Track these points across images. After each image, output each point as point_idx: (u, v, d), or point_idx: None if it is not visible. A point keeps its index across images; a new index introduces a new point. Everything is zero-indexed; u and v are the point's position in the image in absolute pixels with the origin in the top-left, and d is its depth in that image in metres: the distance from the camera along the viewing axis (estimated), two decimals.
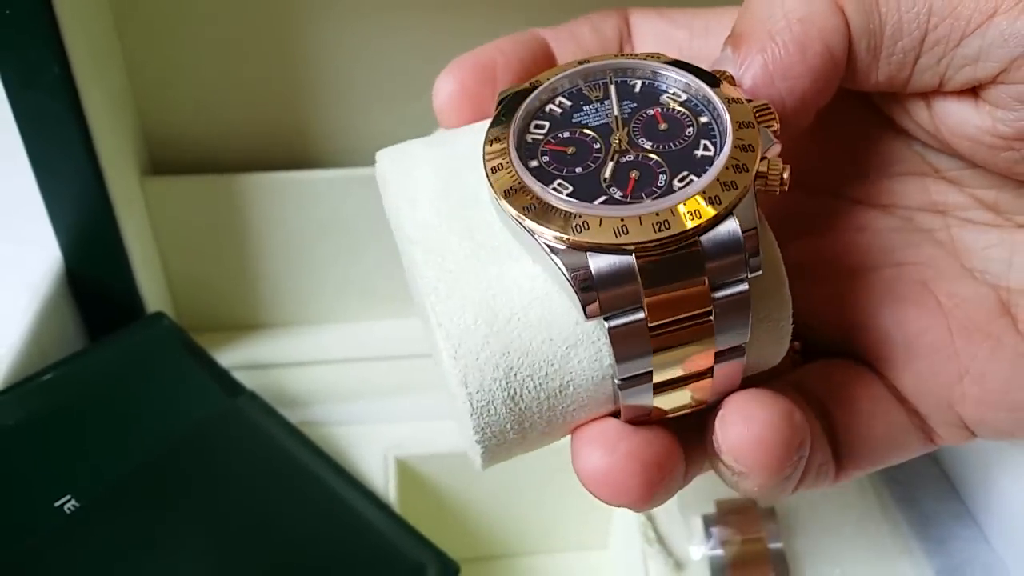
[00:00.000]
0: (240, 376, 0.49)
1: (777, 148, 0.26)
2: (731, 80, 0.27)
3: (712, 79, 0.27)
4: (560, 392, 0.26)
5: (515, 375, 0.26)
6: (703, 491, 0.47)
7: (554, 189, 0.25)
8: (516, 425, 0.26)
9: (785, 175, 0.25)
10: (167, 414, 0.44)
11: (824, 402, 0.30)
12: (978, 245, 0.30)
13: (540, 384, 0.26)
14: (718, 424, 0.26)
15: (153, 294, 0.51)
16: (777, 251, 0.27)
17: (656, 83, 0.28)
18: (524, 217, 0.24)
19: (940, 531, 0.44)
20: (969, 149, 0.28)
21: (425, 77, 0.51)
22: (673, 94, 0.28)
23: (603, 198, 0.25)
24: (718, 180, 0.24)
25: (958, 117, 0.28)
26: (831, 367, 0.32)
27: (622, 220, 0.24)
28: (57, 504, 0.38)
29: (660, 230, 0.23)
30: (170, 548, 0.39)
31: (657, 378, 0.26)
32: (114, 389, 0.44)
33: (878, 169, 0.32)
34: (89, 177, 0.46)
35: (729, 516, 0.46)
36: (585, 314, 0.24)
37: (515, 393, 0.26)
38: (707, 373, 0.26)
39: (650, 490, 0.26)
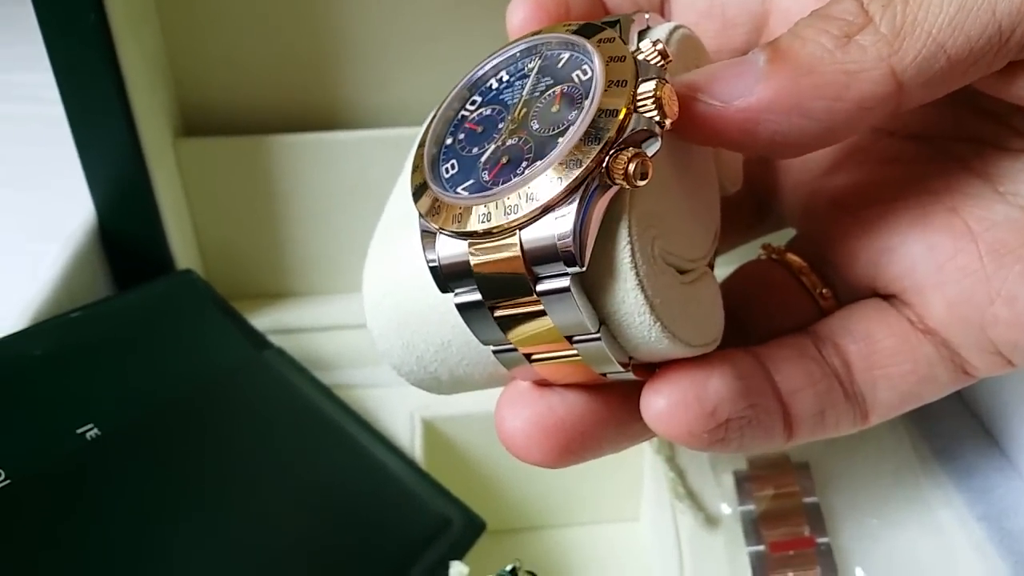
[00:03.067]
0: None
1: (655, 146, 0.24)
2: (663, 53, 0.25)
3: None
4: (444, 348, 0.29)
5: (405, 326, 0.29)
6: None
7: (445, 170, 0.26)
8: (420, 368, 0.30)
9: (640, 182, 0.23)
10: (193, 360, 0.44)
11: (842, 344, 0.30)
12: (1012, 170, 0.29)
13: (427, 338, 0.29)
14: (641, 401, 0.27)
15: (184, 256, 0.51)
16: (621, 245, 0.25)
17: (579, 57, 0.26)
18: (413, 197, 0.26)
19: (981, 481, 0.43)
20: (995, 88, 0.27)
21: (451, 39, 0.52)
22: (584, 70, 0.26)
23: (471, 181, 0.25)
24: (547, 174, 0.23)
25: None
26: (851, 309, 0.31)
27: (460, 208, 0.24)
28: (79, 431, 0.38)
29: (483, 221, 0.24)
30: (189, 486, 0.39)
31: (524, 351, 0.26)
32: (141, 332, 0.44)
33: None
34: (124, 134, 0.47)
35: (762, 472, 0.45)
36: (437, 282, 0.25)
37: (407, 342, 0.29)
38: (572, 353, 0.26)
39: (557, 454, 0.28)
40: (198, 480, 0.39)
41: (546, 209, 0.23)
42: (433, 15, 0.50)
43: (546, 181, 0.23)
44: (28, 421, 0.37)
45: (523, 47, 0.27)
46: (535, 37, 0.27)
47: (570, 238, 0.23)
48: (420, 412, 0.49)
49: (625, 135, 0.23)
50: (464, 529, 0.44)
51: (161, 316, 0.46)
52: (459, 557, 0.42)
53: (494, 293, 0.24)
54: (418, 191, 0.26)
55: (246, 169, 0.51)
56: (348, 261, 0.55)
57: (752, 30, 0.33)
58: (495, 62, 0.28)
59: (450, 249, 0.24)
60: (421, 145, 0.27)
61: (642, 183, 0.23)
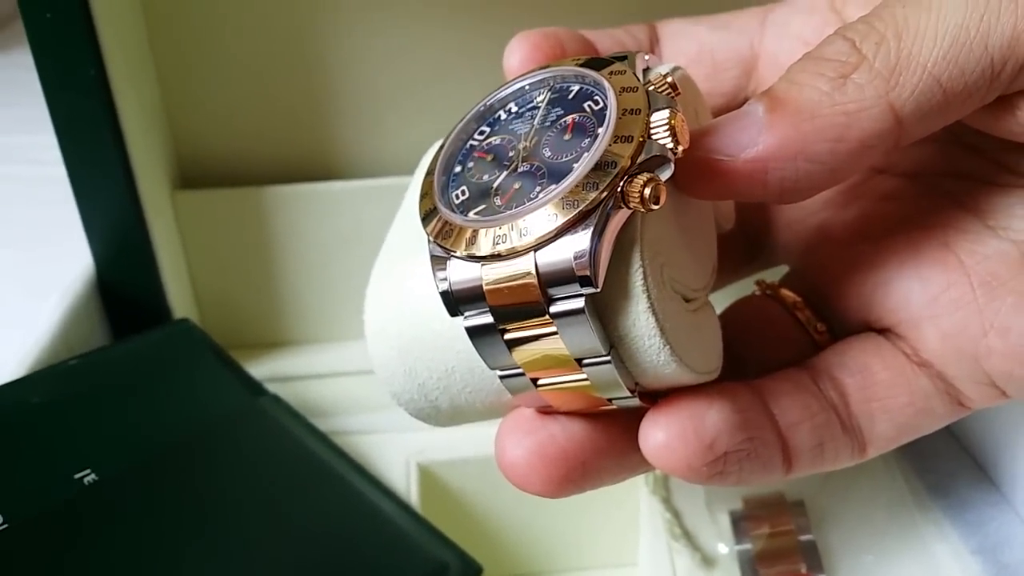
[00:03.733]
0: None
1: (668, 171, 0.24)
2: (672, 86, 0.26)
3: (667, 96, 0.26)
4: (448, 375, 0.29)
5: (408, 353, 0.29)
6: (731, 488, 0.47)
7: (455, 196, 0.26)
8: (421, 396, 0.30)
9: (654, 205, 0.24)
10: (189, 407, 0.44)
11: (839, 378, 0.30)
12: (1002, 205, 0.30)
13: (431, 365, 0.29)
14: (639, 436, 0.27)
15: (180, 306, 0.52)
16: (634, 267, 0.25)
17: (589, 89, 0.27)
18: (423, 221, 0.26)
19: (974, 515, 0.43)
20: (983, 123, 0.28)
21: (443, 90, 0.53)
22: (595, 100, 0.26)
23: (483, 207, 0.25)
24: (563, 198, 0.24)
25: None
26: (847, 343, 0.32)
27: (474, 231, 0.25)
28: (77, 476, 0.38)
29: (497, 244, 0.24)
30: (184, 531, 0.39)
31: (531, 375, 0.26)
32: (138, 380, 0.44)
33: None
34: (122, 186, 0.48)
35: (757, 510, 0.45)
36: (447, 305, 0.25)
37: (410, 369, 0.29)
38: (581, 378, 0.26)
39: (557, 484, 0.28)
40: (195, 525, 0.39)
41: (561, 231, 0.24)
42: (425, 67, 0.51)
43: (562, 204, 0.24)
44: (27, 466, 0.37)
45: (532, 80, 0.28)
46: (544, 70, 0.28)
47: (586, 259, 0.23)
48: (416, 457, 0.49)
49: (639, 161, 0.24)
50: (461, 574, 0.44)
51: (158, 363, 0.46)
52: None
53: (506, 315, 0.25)
54: (428, 216, 0.26)
55: (242, 220, 0.52)
56: (343, 309, 0.55)
57: (741, 74, 0.34)
58: (503, 94, 0.28)
59: (462, 272, 0.25)
60: (430, 173, 0.27)
61: (656, 207, 0.24)
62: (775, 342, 0.33)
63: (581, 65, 0.27)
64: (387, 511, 0.45)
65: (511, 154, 0.26)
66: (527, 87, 0.28)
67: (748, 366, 0.31)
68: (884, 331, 0.32)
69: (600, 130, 0.25)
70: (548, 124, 0.26)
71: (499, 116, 0.28)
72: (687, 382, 0.27)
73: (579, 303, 0.24)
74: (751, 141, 0.26)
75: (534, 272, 0.24)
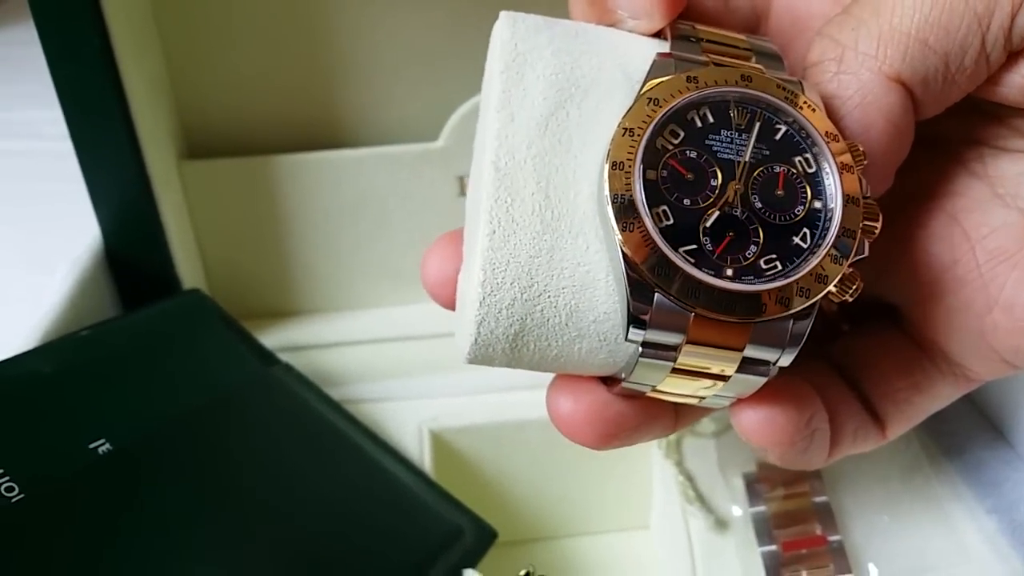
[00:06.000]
0: None
1: (864, 257, 0.26)
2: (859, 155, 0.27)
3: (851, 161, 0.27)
4: (552, 360, 0.28)
5: (522, 338, 0.27)
6: (744, 452, 0.47)
7: (656, 215, 0.25)
8: (504, 363, 0.28)
9: (856, 291, 0.26)
10: (202, 376, 0.44)
11: (852, 370, 0.32)
12: (1012, 171, 0.30)
13: (539, 350, 0.28)
14: (731, 413, 0.29)
15: (189, 276, 0.52)
16: None
17: (799, 139, 0.27)
18: (619, 231, 0.25)
19: (990, 475, 0.43)
20: (1001, 94, 0.28)
21: (451, 58, 0.53)
22: (806, 160, 0.27)
23: (693, 246, 0.25)
24: (797, 283, 0.25)
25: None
26: (854, 336, 0.33)
27: (699, 283, 0.25)
28: (91, 446, 0.38)
29: (725, 309, 0.25)
30: (199, 500, 0.39)
31: (661, 391, 0.28)
32: (150, 350, 0.44)
33: None
34: (129, 157, 0.47)
35: (771, 473, 0.45)
36: (626, 334, 0.25)
37: (515, 348, 0.27)
38: (699, 398, 0.28)
39: (605, 440, 0.29)
40: (210, 493, 0.39)
41: (780, 318, 0.25)
42: (433, 33, 0.51)
43: (795, 288, 0.25)
44: (41, 437, 0.37)
45: (737, 94, 0.27)
46: (748, 89, 0.27)
47: (803, 336, 0.25)
48: (428, 424, 0.49)
49: (855, 255, 0.26)
50: (476, 538, 0.44)
51: (170, 333, 0.46)
52: (472, 566, 0.42)
53: (696, 354, 0.25)
54: (625, 220, 0.25)
55: (250, 189, 0.52)
56: (353, 278, 0.55)
57: (751, 15, 0.33)
58: (695, 96, 0.27)
59: (668, 314, 0.25)
60: (619, 166, 0.26)
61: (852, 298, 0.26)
62: None
63: (784, 98, 0.27)
64: (401, 478, 0.45)
65: (713, 183, 0.26)
66: (731, 101, 0.27)
67: None
68: (891, 309, 0.32)
69: (829, 222, 0.26)
70: (755, 162, 0.26)
71: (692, 120, 0.27)
72: None
73: (764, 379, 0.26)
74: None
75: (747, 339, 0.25)
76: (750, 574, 0.42)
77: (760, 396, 0.28)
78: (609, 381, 0.29)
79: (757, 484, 0.45)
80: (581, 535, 0.54)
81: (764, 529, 0.43)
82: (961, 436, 0.45)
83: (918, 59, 0.26)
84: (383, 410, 0.50)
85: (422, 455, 0.48)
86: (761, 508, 0.44)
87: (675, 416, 0.31)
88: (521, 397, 0.50)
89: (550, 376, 0.30)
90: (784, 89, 0.27)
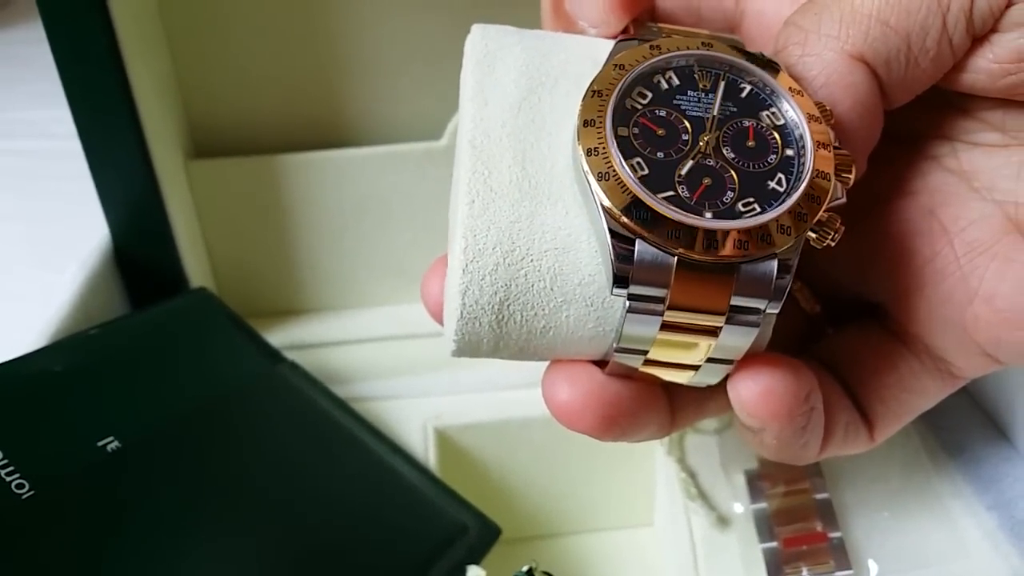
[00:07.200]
0: None
1: (841, 202, 0.26)
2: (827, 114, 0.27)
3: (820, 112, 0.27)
4: (540, 334, 0.28)
5: (507, 307, 0.27)
6: (746, 449, 0.47)
7: (631, 166, 0.26)
8: (492, 342, 0.28)
9: (837, 236, 0.26)
10: (209, 375, 0.45)
11: (839, 369, 0.32)
12: (986, 166, 0.30)
13: (526, 321, 0.28)
14: (729, 385, 0.28)
15: (197, 275, 0.52)
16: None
17: (764, 96, 0.28)
18: (596, 182, 0.25)
19: (989, 471, 0.43)
20: (968, 81, 0.28)
21: (457, 57, 0.53)
22: (773, 114, 0.27)
23: (670, 192, 0.25)
24: (777, 220, 0.25)
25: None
26: (839, 336, 0.33)
27: (679, 225, 0.25)
28: (100, 443, 0.38)
29: (708, 248, 0.25)
30: (207, 497, 0.39)
31: (654, 355, 0.27)
32: (158, 348, 0.45)
33: None
34: (136, 157, 0.48)
35: (772, 470, 0.46)
36: (611, 288, 0.25)
37: (502, 319, 0.27)
38: (694, 368, 0.28)
39: (605, 424, 0.29)
40: (216, 490, 0.40)
41: (775, 254, 0.25)
42: (437, 33, 0.51)
43: (776, 226, 0.25)
44: (51, 434, 0.38)
45: (699, 55, 0.28)
46: (713, 51, 0.28)
47: (788, 282, 0.25)
48: (433, 422, 0.50)
49: (831, 197, 0.26)
50: (480, 535, 0.44)
51: (177, 332, 0.46)
52: (476, 562, 0.42)
53: (684, 306, 0.25)
54: (602, 175, 0.25)
55: (257, 188, 0.52)
56: (359, 276, 0.56)
57: (725, 28, 0.34)
58: (659, 60, 0.28)
59: (652, 259, 0.25)
60: (591, 121, 0.26)
61: (832, 245, 0.26)
62: None
63: (746, 58, 0.28)
64: (406, 475, 0.46)
65: (685, 137, 0.26)
66: (694, 63, 0.28)
67: None
68: (873, 306, 0.32)
69: (801, 160, 0.26)
70: (724, 118, 0.27)
71: (659, 83, 0.27)
72: None
73: (756, 320, 0.26)
74: None
75: (734, 281, 0.25)
76: (751, 571, 0.43)
77: (758, 364, 0.28)
78: (602, 365, 0.29)
79: (759, 481, 0.45)
80: (585, 532, 0.54)
81: (765, 526, 0.44)
82: (961, 433, 0.45)
83: (879, 39, 0.27)
84: (388, 408, 0.51)
85: (427, 452, 0.49)
86: (762, 505, 0.44)
87: (670, 407, 0.30)
88: (525, 395, 0.51)
89: None
90: (744, 52, 0.28)
